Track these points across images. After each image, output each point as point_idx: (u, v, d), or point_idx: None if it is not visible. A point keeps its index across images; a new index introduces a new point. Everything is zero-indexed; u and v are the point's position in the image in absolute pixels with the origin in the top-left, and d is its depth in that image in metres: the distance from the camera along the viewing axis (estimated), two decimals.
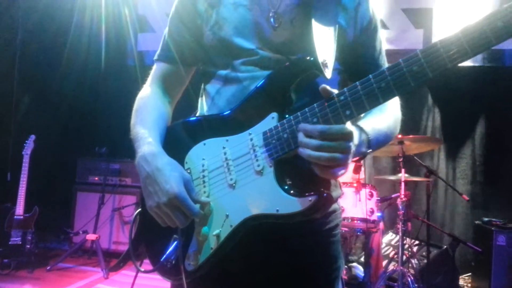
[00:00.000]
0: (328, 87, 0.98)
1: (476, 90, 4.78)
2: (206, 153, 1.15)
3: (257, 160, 1.06)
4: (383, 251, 4.22)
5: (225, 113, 1.17)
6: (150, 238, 1.23)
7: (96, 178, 5.01)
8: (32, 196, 4.42)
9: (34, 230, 4.29)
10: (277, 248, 1.14)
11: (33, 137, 4.48)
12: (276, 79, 1.09)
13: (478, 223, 4.23)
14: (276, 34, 1.17)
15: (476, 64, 4.72)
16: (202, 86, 1.33)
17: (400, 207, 3.40)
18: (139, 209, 1.26)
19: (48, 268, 4.36)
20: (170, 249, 1.13)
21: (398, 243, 3.44)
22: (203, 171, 1.15)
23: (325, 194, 0.98)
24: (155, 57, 1.35)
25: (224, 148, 1.12)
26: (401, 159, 3.50)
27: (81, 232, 4.78)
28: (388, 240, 4.46)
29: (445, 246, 3.98)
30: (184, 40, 1.28)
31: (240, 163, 1.09)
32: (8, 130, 5.28)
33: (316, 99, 1.00)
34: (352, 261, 4.72)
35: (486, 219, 4.09)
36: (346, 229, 3.60)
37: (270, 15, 1.17)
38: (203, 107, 1.31)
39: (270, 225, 1.03)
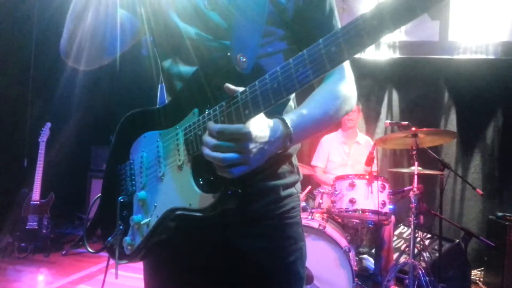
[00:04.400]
0: (231, 86, 0.97)
1: (492, 84, 4.72)
2: (145, 146, 1.21)
3: (179, 155, 1.10)
4: (394, 243, 4.22)
5: (161, 107, 1.21)
6: (103, 222, 1.31)
7: None
8: (48, 182, 4.51)
9: (50, 215, 4.39)
10: (223, 237, 1.17)
11: (49, 124, 4.56)
12: (198, 75, 1.10)
13: (492, 218, 4.20)
14: (211, 18, 1.16)
15: (492, 57, 4.65)
16: (160, 70, 1.31)
17: (413, 200, 3.38)
18: (99, 194, 1.34)
19: (63, 252, 4.46)
20: (113, 234, 1.21)
21: (409, 236, 3.44)
22: (141, 162, 1.21)
23: (229, 192, 1.00)
24: None
25: (157, 141, 1.17)
26: (414, 152, 3.47)
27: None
28: (399, 233, 4.45)
29: (458, 240, 3.96)
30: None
31: (167, 157, 1.13)
32: (24, 117, 5.38)
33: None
34: (363, 253, 4.74)
35: (500, 214, 4.06)
36: (357, 220, 3.60)
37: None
38: (162, 93, 1.31)
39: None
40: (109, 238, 1.21)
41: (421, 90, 5.09)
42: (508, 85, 4.64)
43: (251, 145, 0.96)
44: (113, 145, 1.31)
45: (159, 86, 1.33)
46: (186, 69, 1.20)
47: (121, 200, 1.21)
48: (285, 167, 1.23)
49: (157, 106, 1.27)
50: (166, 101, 1.28)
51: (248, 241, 1.17)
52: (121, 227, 1.20)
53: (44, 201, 4.37)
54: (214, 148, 0.95)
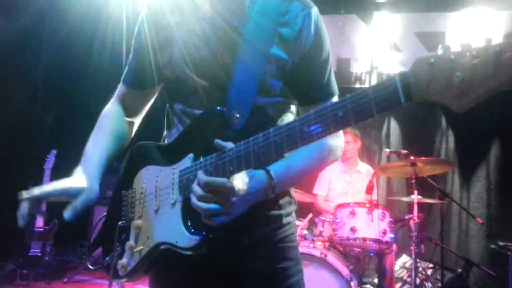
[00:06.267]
0: (220, 142, 1.08)
1: (490, 113, 4.77)
2: (147, 178, 1.30)
3: (173, 194, 1.19)
4: (396, 273, 4.19)
5: (165, 145, 1.33)
6: (104, 242, 1.39)
7: None
8: (52, 209, 4.54)
9: (53, 242, 4.41)
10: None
11: (54, 152, 4.64)
12: (196, 124, 1.22)
13: (493, 247, 4.19)
14: (221, 71, 1.24)
15: None
16: (168, 105, 1.40)
17: (413, 229, 3.40)
18: (104, 214, 1.45)
19: (65, 280, 4.46)
20: (110, 254, 1.30)
21: (411, 265, 3.43)
22: (142, 193, 1.30)
23: (210, 236, 1.10)
24: (122, 77, 1.44)
25: (157, 176, 1.27)
26: (413, 181, 3.51)
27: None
28: (402, 263, 4.43)
29: (459, 270, 3.95)
30: (144, 66, 1.35)
31: (164, 193, 1.23)
32: (30, 144, 5.46)
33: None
34: (366, 283, 4.69)
35: (502, 243, 4.05)
36: (358, 249, 3.60)
37: (217, 52, 1.25)
38: (169, 130, 1.39)
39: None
40: (107, 258, 1.30)
41: (419, 119, 5.15)
42: (506, 114, 4.71)
43: (234, 198, 1.06)
44: (121, 171, 1.40)
45: (165, 118, 1.42)
46: (190, 112, 1.28)
47: (121, 224, 1.30)
48: (286, 198, 1.33)
49: (155, 143, 1.38)
50: (166, 135, 1.39)
51: (254, 263, 1.25)
52: (118, 248, 1.28)
53: (47, 228, 4.40)
54: (200, 198, 1.05)
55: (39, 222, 4.36)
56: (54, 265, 4.42)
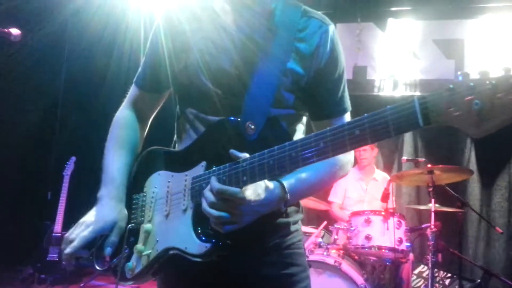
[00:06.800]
0: (235, 152, 1.09)
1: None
2: (158, 183, 1.32)
3: (184, 200, 1.20)
4: (413, 283, 4.12)
5: (178, 151, 1.34)
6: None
7: None
8: (70, 215, 4.63)
9: None
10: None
11: (73, 158, 4.73)
12: (210, 132, 1.23)
13: None
14: (237, 80, 1.26)
15: None
16: (179, 110, 1.41)
17: (430, 238, 3.35)
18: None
19: (81, 285, 4.50)
20: (118, 256, 1.31)
21: (429, 275, 3.37)
22: (153, 197, 1.31)
23: (220, 243, 1.11)
24: (134, 79, 1.45)
25: (169, 182, 1.28)
26: (431, 189, 3.46)
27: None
28: (419, 272, 4.34)
29: (478, 280, 3.85)
30: (158, 71, 1.37)
31: (175, 198, 1.24)
32: (50, 151, 5.59)
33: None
34: None
35: None
36: (374, 258, 3.55)
37: (234, 62, 1.26)
38: (180, 134, 1.40)
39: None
40: (114, 260, 1.31)
41: (441, 128, 5.08)
42: None
43: (245, 208, 1.08)
44: (133, 174, 1.41)
45: (175, 123, 1.44)
46: (203, 118, 1.30)
47: (130, 227, 1.31)
48: (293, 207, 1.35)
49: (166, 148, 1.40)
50: (177, 140, 1.41)
51: (262, 269, 1.27)
52: (126, 250, 1.30)
53: (65, 233, 4.45)
54: (211, 204, 1.07)
55: (57, 227, 4.44)
56: (71, 270, 4.47)
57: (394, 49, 5.10)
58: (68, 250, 1.23)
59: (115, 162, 1.35)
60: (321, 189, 1.36)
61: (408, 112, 0.86)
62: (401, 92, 5.11)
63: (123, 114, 1.46)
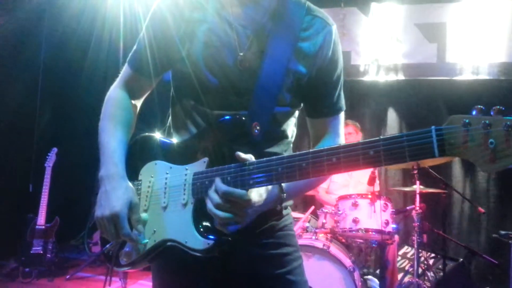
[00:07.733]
0: (241, 155, 1.09)
1: (492, 103, 4.77)
2: (155, 172, 1.30)
3: (184, 194, 1.20)
4: (398, 263, 4.20)
5: (176, 142, 1.32)
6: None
7: None
8: (53, 207, 4.55)
9: (55, 239, 4.41)
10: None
11: (55, 149, 4.63)
12: (214, 128, 1.22)
13: (495, 236, 4.19)
14: (241, 77, 1.25)
15: (489, 77, 4.74)
16: (174, 97, 1.38)
17: (416, 219, 3.41)
18: None
19: (67, 277, 4.46)
20: (110, 243, 1.30)
21: (413, 255, 3.44)
22: (149, 187, 1.30)
23: (222, 240, 1.13)
24: (128, 58, 1.39)
25: (167, 173, 1.27)
26: (416, 171, 3.51)
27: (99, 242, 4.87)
28: (403, 253, 4.44)
29: (461, 259, 3.95)
30: (156, 55, 1.32)
31: (174, 191, 1.23)
32: (31, 143, 5.45)
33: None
34: (368, 274, 4.71)
35: (503, 232, 4.05)
36: (361, 240, 3.60)
37: (238, 58, 1.25)
38: (176, 124, 1.38)
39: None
40: (107, 245, 1.30)
41: (420, 111, 5.15)
42: (506, 104, 4.70)
43: (249, 210, 1.11)
44: (126, 160, 1.36)
45: (170, 109, 1.41)
46: (201, 110, 1.28)
47: None
48: None
49: (163, 137, 1.37)
50: (174, 129, 1.38)
51: (259, 250, 1.30)
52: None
53: (49, 226, 4.40)
54: (217, 206, 1.08)
55: (41, 220, 4.36)
56: (56, 262, 4.41)
57: (378, 33, 5.12)
58: (123, 231, 1.18)
59: (113, 140, 1.31)
60: (314, 187, 1.42)
61: (424, 141, 0.89)
62: (384, 76, 5.15)
63: (117, 93, 1.40)
